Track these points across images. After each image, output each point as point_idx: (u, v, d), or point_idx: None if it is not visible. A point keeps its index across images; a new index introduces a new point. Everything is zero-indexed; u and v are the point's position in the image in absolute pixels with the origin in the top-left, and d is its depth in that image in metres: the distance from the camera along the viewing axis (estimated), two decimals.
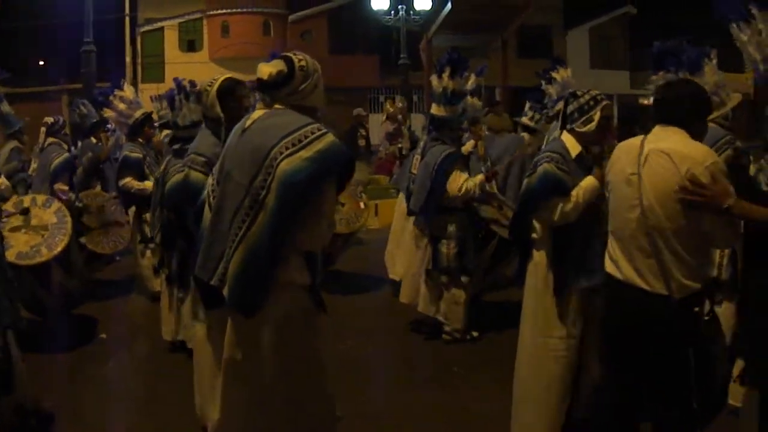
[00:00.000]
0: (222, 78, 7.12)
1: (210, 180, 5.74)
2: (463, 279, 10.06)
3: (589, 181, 6.72)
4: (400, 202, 12.31)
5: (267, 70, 5.35)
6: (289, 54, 5.44)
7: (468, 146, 11.19)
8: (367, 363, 9.43)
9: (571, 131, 6.84)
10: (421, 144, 10.68)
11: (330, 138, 5.14)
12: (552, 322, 6.84)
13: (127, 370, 9.49)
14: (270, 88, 5.40)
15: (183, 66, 41.91)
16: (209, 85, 7.12)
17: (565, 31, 54.18)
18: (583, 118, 6.77)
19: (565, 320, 6.80)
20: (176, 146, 8.90)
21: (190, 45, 49.81)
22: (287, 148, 5.05)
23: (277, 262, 5.12)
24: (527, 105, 11.69)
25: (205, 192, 5.75)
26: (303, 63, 5.38)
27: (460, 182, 9.65)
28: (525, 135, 11.52)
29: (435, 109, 10.23)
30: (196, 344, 6.91)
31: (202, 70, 41.01)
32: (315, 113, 5.48)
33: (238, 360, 5.35)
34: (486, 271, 10.67)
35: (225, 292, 5.25)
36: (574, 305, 6.79)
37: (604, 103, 6.81)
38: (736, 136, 7.52)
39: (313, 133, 5.11)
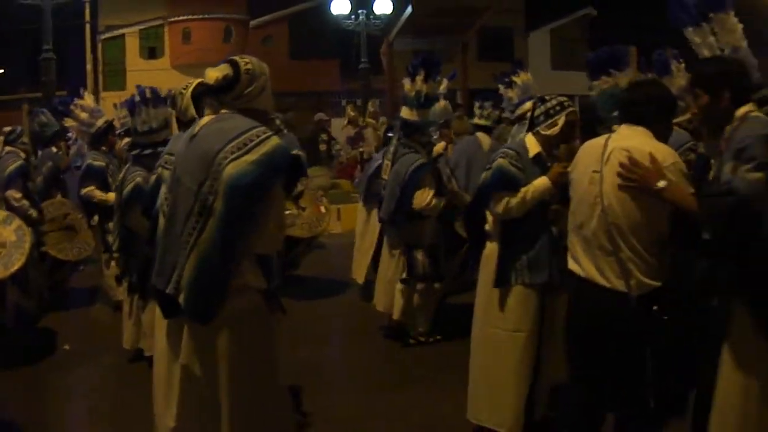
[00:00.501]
0: (196, 82, 7.08)
1: (163, 188, 5.72)
2: (436, 286, 10.09)
3: (541, 181, 6.78)
4: (361, 207, 12.32)
5: (213, 74, 5.35)
6: (235, 58, 5.44)
7: (439, 148, 11.20)
8: (331, 367, 9.44)
9: (536, 134, 6.94)
10: (391, 149, 10.47)
11: (275, 141, 5.14)
12: (498, 314, 6.93)
13: (90, 380, 9.39)
14: (217, 93, 5.39)
15: (144, 73, 41.71)
16: (184, 89, 7.16)
17: (526, 33, 54.34)
18: (548, 122, 6.89)
19: (511, 313, 6.87)
20: (135, 152, 8.88)
21: (151, 52, 49.60)
22: (233, 152, 5.03)
23: (230, 266, 5.11)
24: (476, 105, 11.67)
25: (159, 200, 5.74)
26: (249, 66, 5.37)
27: (426, 198, 9.58)
28: (480, 134, 11.48)
29: (407, 113, 10.04)
30: (156, 353, 6.89)
31: (164, 77, 40.86)
32: (264, 116, 5.49)
33: (195, 367, 5.33)
34: (454, 275, 10.67)
35: (181, 299, 5.22)
36: (521, 300, 6.84)
37: (570, 109, 6.93)
38: (698, 140, 7.59)
39: (258, 137, 5.10)
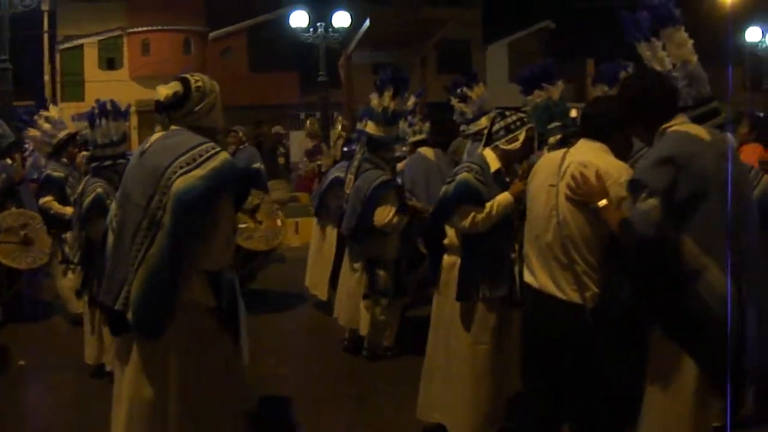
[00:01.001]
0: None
1: (113, 205, 5.72)
2: (399, 302, 10.10)
3: (505, 196, 6.82)
4: (316, 221, 12.33)
5: (164, 91, 5.43)
6: (186, 75, 5.50)
7: (402, 165, 11.21)
8: (289, 381, 9.39)
9: (495, 148, 6.98)
10: (355, 163, 10.40)
11: (223, 156, 5.21)
12: (460, 327, 6.98)
13: (48, 397, 9.28)
14: (167, 109, 5.45)
15: (103, 84, 41.61)
16: (215, 88, 7.02)
17: (484, 45, 54.51)
18: (509, 137, 6.93)
19: (471, 326, 6.92)
20: (95, 164, 8.85)
21: (110, 63, 49.43)
22: (182, 167, 5.09)
23: (178, 282, 5.14)
24: (406, 125, 11.69)
25: (109, 216, 5.73)
26: (199, 84, 5.44)
27: (387, 215, 9.52)
28: (422, 150, 11.49)
29: (372, 129, 9.93)
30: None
31: (123, 89, 40.76)
32: (213, 133, 5.55)
33: (142, 384, 5.32)
34: (415, 290, 10.66)
35: (129, 316, 5.23)
36: (481, 313, 6.90)
37: (530, 125, 7.00)
38: None
39: (207, 152, 5.17)
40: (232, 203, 5.37)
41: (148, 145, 5.46)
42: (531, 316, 5.73)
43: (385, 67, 10.39)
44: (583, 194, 5.18)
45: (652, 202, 4.70)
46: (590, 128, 5.57)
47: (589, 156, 5.36)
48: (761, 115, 18.94)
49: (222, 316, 5.40)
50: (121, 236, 5.38)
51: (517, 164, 7.17)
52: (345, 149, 12.91)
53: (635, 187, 4.86)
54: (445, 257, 7.22)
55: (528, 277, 5.65)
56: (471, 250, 6.93)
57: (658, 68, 5.91)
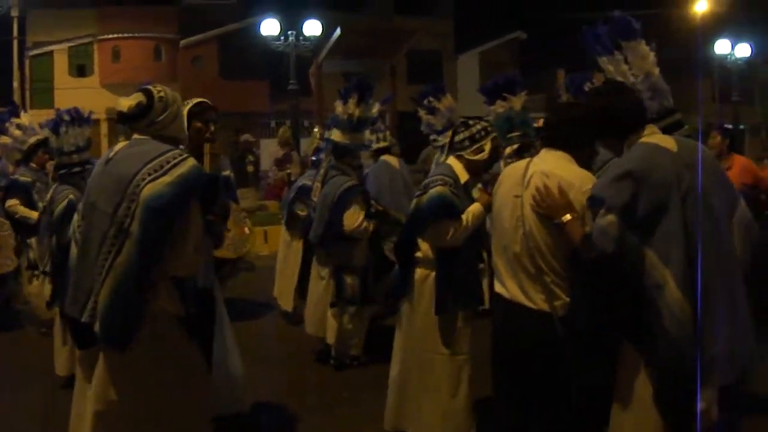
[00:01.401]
0: (195, 101, 7.11)
1: (76, 216, 5.72)
2: (366, 310, 10.13)
3: (477, 207, 6.88)
4: (284, 230, 12.34)
5: (127, 103, 5.48)
6: (148, 87, 5.56)
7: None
8: (256, 389, 9.38)
9: (459, 158, 7.00)
10: (321, 171, 10.43)
11: (191, 162, 5.23)
12: (436, 339, 6.98)
13: (16, 409, 9.14)
14: (130, 120, 5.49)
15: (73, 91, 41.40)
16: (177, 98, 6.87)
17: (455, 55, 54.64)
18: (474, 147, 6.97)
19: (451, 338, 6.94)
20: (62, 171, 8.84)
21: (80, 70, 49.19)
22: (150, 174, 5.11)
23: (146, 291, 5.13)
24: (368, 133, 11.77)
25: (71, 228, 5.73)
26: (162, 94, 5.50)
27: (357, 219, 9.60)
28: (385, 157, 11.54)
29: (338, 136, 10.01)
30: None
31: (93, 96, 40.64)
32: (176, 143, 5.57)
33: (110, 396, 5.30)
34: (384, 298, 10.66)
35: (96, 327, 5.21)
36: (458, 325, 6.95)
37: (494, 134, 7.05)
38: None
39: (174, 158, 5.20)
40: (201, 209, 5.36)
41: (113, 153, 5.47)
42: (502, 325, 5.72)
43: (351, 77, 10.42)
44: (547, 208, 5.21)
45: (610, 218, 4.73)
46: (552, 137, 5.60)
47: (552, 165, 5.38)
48: (730, 126, 19.06)
49: (190, 324, 5.39)
50: (86, 246, 5.37)
51: (485, 173, 7.21)
52: (313, 158, 12.93)
53: (594, 203, 4.89)
54: (418, 270, 7.20)
55: (498, 288, 5.66)
56: (447, 263, 6.94)
57: (621, 80, 5.96)
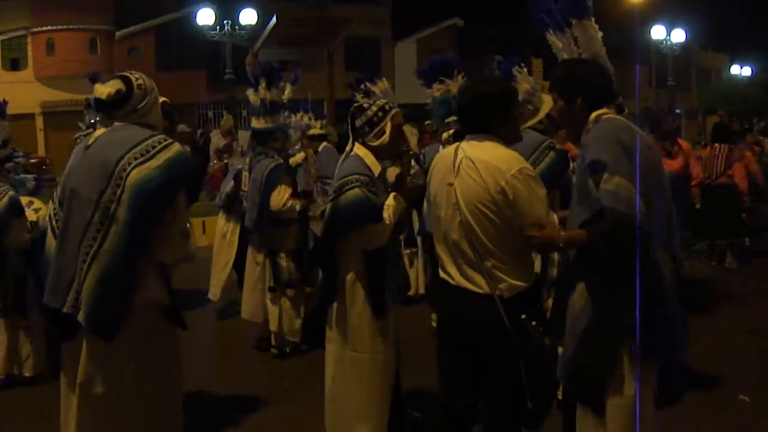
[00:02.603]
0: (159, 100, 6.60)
1: (51, 205, 5.61)
2: (308, 290, 10.11)
3: (397, 202, 6.52)
4: (220, 222, 12.31)
5: (105, 90, 5.38)
6: (126, 73, 5.51)
7: (297, 158, 11.20)
8: (194, 381, 9.32)
9: (364, 145, 6.64)
10: (247, 159, 10.67)
11: (177, 147, 5.20)
12: (362, 338, 6.65)
13: None
14: (109, 108, 5.41)
15: (7, 85, 40.84)
16: (154, 86, 6.37)
17: (393, 42, 54.70)
18: (375, 131, 6.60)
19: (375, 336, 6.64)
20: (7, 165, 8.76)
21: (14, 63, 48.67)
22: (135, 158, 5.05)
23: (133, 277, 5.08)
24: (303, 117, 11.85)
25: (46, 218, 5.63)
26: (141, 82, 5.46)
27: (283, 197, 9.64)
28: (327, 145, 11.65)
29: (256, 123, 10.23)
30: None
31: (28, 89, 40.31)
32: (154, 131, 5.46)
33: (94, 385, 5.23)
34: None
35: (80, 317, 5.12)
36: (383, 321, 6.65)
37: (394, 111, 6.68)
38: (555, 138, 7.70)
39: (160, 143, 5.16)
40: (186, 195, 5.31)
41: (91, 140, 5.37)
42: (448, 310, 5.68)
43: (256, 64, 10.48)
44: (541, 243, 5.20)
45: (617, 180, 4.73)
46: (469, 122, 5.54)
47: (478, 151, 5.32)
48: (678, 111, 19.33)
49: (171, 313, 5.42)
50: (66, 234, 5.25)
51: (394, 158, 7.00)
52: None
53: (595, 167, 4.85)
54: (343, 271, 6.67)
55: (442, 274, 5.61)
56: (375, 262, 6.57)
57: (567, 58, 5.96)
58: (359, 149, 6.65)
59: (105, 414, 5.23)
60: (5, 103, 9.05)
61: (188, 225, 5.43)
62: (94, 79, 12.01)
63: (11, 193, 8.43)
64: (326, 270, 6.92)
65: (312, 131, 11.83)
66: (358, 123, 6.66)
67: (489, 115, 5.40)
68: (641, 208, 4.72)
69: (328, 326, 6.89)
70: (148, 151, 5.10)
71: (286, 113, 11.13)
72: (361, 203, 6.34)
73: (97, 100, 5.44)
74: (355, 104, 6.99)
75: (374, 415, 6.71)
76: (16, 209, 8.40)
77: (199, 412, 8.29)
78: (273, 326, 10.11)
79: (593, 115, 5.11)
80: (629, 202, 4.71)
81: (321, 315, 6.96)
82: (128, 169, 5.03)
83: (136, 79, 5.46)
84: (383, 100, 6.94)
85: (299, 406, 8.33)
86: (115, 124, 5.39)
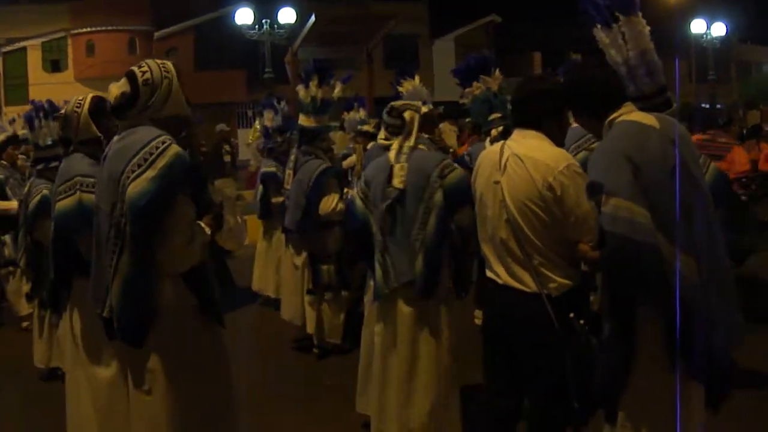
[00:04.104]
0: (89, 97, 6.72)
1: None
2: (344, 294, 10.05)
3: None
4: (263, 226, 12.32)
5: (114, 92, 5.28)
6: (133, 69, 5.31)
7: (351, 160, 11.18)
8: (242, 379, 9.33)
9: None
10: (292, 158, 10.46)
11: (173, 150, 5.03)
12: (426, 326, 6.73)
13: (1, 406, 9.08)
14: (119, 112, 5.31)
15: (48, 87, 41.28)
16: (77, 107, 6.64)
17: (431, 40, 54.73)
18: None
19: (434, 323, 6.72)
20: (39, 167, 8.78)
21: (54, 65, 49.09)
22: (134, 170, 4.95)
23: (151, 288, 5.06)
24: (350, 113, 11.82)
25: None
26: (147, 76, 5.24)
27: (332, 203, 9.52)
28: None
29: (304, 120, 10.03)
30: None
31: (68, 91, 40.30)
32: (178, 121, 5.41)
33: (138, 386, 5.27)
34: (360, 284, 10.60)
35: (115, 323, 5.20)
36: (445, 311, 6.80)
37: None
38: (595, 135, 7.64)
39: (157, 148, 5.00)
40: (190, 197, 5.21)
41: (108, 149, 5.35)
42: (496, 310, 5.63)
43: (312, 61, 10.38)
44: (579, 256, 5.18)
45: (614, 201, 4.60)
46: (521, 116, 5.51)
47: (525, 147, 5.28)
48: (707, 106, 19.13)
49: (207, 312, 5.35)
50: (99, 246, 5.33)
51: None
52: (265, 147, 12.99)
53: (593, 191, 4.76)
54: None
55: (489, 273, 5.56)
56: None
57: (616, 55, 5.88)
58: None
59: (153, 414, 5.24)
60: (50, 103, 9.09)
61: (197, 228, 5.30)
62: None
63: (44, 192, 8.48)
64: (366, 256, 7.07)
65: (365, 127, 11.72)
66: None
67: (544, 111, 5.38)
68: (645, 219, 4.58)
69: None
70: (146, 159, 4.97)
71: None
72: (465, 181, 6.48)
73: (110, 105, 5.40)
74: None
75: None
76: (45, 209, 8.47)
77: (244, 410, 8.31)
78: (311, 329, 10.08)
79: (607, 121, 5.06)
80: (630, 224, 4.57)
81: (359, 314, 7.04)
82: (127, 183, 4.97)
83: (143, 73, 5.24)
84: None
85: (344, 403, 8.23)
86: (129, 128, 5.26)
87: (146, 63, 5.34)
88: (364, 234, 6.95)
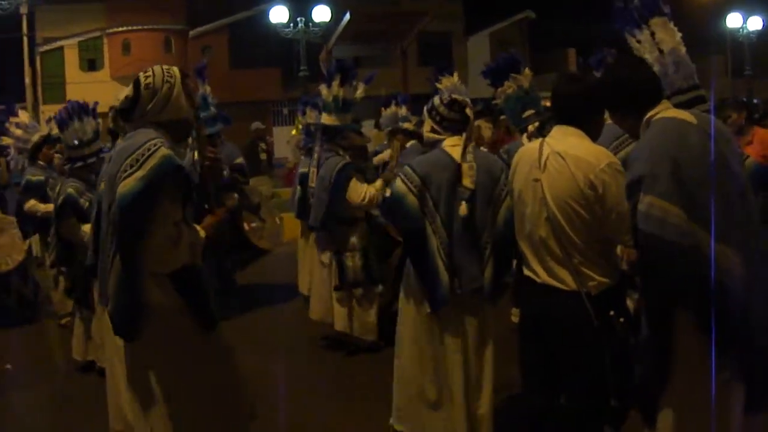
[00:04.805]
0: (177, 68, 5.67)
1: None
2: (376, 289, 10.01)
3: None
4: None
5: (122, 95, 5.40)
6: (140, 74, 5.39)
7: (384, 156, 11.16)
8: (276, 377, 9.36)
9: None
10: (315, 156, 10.49)
11: (162, 152, 5.06)
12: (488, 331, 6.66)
13: (36, 395, 9.11)
14: (124, 116, 5.44)
15: (84, 86, 41.55)
16: (170, 77, 5.44)
17: (465, 37, 54.65)
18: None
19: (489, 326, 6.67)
20: (70, 165, 8.90)
21: (90, 64, 49.40)
22: (125, 171, 5.03)
23: (137, 285, 5.14)
24: (403, 109, 11.77)
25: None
26: (149, 80, 5.30)
27: (361, 191, 9.53)
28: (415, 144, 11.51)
29: (326, 119, 10.09)
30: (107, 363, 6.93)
31: (104, 89, 40.66)
32: (180, 125, 5.48)
33: (132, 382, 5.43)
34: (394, 281, 10.57)
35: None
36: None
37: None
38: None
39: (149, 150, 5.06)
40: (177, 201, 5.19)
41: (113, 151, 5.46)
42: (534, 308, 5.61)
43: (346, 60, 10.37)
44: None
45: (649, 200, 4.60)
46: (563, 112, 5.50)
47: (566, 145, 5.27)
48: (744, 99, 18.97)
49: (196, 314, 5.33)
50: (102, 244, 5.54)
51: None
52: (306, 145, 12.97)
53: (631, 189, 4.78)
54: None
55: (527, 272, 5.55)
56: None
57: (647, 56, 5.90)
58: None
59: (145, 410, 5.36)
60: (79, 103, 9.17)
61: (185, 230, 5.27)
62: (200, 73, 12.05)
63: (70, 191, 8.60)
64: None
65: (406, 125, 11.67)
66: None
67: (585, 108, 5.39)
68: (678, 219, 4.57)
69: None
70: (137, 160, 5.03)
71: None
72: None
73: (117, 109, 5.48)
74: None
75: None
76: (68, 207, 8.57)
77: (277, 407, 8.34)
78: (339, 326, 10.03)
79: (644, 119, 5.06)
80: (662, 224, 4.58)
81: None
82: (119, 182, 5.04)
83: (146, 78, 5.31)
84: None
85: (375, 402, 8.21)
86: (133, 130, 5.36)
87: (153, 69, 5.41)
88: (423, 234, 6.50)
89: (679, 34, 6.12)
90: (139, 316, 5.17)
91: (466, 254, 6.44)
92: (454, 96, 6.85)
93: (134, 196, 4.96)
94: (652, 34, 6.10)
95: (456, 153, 6.45)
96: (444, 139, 6.62)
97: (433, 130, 6.71)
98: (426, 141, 6.89)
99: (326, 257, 10.18)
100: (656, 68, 5.73)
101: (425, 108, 6.84)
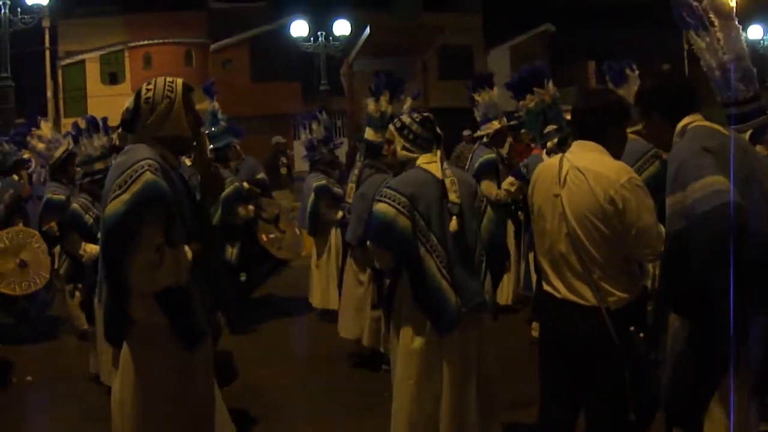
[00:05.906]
0: (180, 81, 5.53)
1: None
2: None
3: None
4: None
5: (125, 106, 5.37)
6: (142, 86, 5.36)
7: None
8: (292, 389, 9.34)
9: None
10: (356, 171, 10.22)
11: (146, 177, 4.96)
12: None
13: (54, 409, 9.27)
14: (126, 128, 5.42)
15: (106, 99, 41.54)
16: (170, 92, 5.35)
17: (486, 50, 54.56)
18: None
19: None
20: (83, 181, 8.95)
21: (112, 77, 49.41)
22: (114, 191, 4.99)
23: (122, 301, 5.16)
24: None
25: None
26: (149, 94, 5.25)
27: None
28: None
29: (371, 135, 9.81)
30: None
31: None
32: (179, 142, 5.42)
33: (117, 389, 5.44)
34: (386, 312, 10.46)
35: None
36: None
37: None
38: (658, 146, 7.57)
39: (136, 172, 4.97)
40: (159, 226, 5.08)
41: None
42: (553, 323, 5.61)
43: (379, 74, 10.29)
44: None
45: (708, 179, 4.67)
46: (583, 127, 5.51)
47: (586, 161, 5.28)
48: None
49: (179, 333, 5.24)
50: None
51: None
52: (311, 159, 12.95)
53: (685, 179, 4.82)
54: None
55: (547, 287, 5.56)
56: None
57: (710, 59, 5.85)
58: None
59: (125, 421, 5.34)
60: (93, 118, 9.20)
61: (168, 252, 5.19)
62: (208, 90, 12.04)
63: (74, 206, 8.66)
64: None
65: None
66: None
67: (606, 124, 5.39)
68: (737, 198, 4.61)
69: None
70: (126, 182, 4.97)
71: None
72: None
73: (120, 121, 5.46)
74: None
75: None
76: (69, 222, 8.62)
77: (299, 421, 8.34)
78: (366, 342, 9.93)
79: (679, 126, 5.06)
80: (721, 193, 4.63)
81: None
82: (108, 202, 5.01)
83: (146, 91, 5.26)
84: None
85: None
86: (133, 143, 5.29)
87: (155, 80, 5.36)
88: (418, 256, 6.31)
89: (743, 35, 6.07)
90: (122, 329, 5.25)
91: (463, 270, 6.38)
92: (425, 114, 6.76)
93: (117, 218, 4.94)
94: (718, 38, 6.05)
95: (434, 169, 6.39)
96: (418, 157, 6.52)
97: (405, 149, 6.56)
98: (400, 160, 6.66)
99: (365, 276, 10.01)
100: (718, 74, 5.72)
101: (393, 127, 6.69)
